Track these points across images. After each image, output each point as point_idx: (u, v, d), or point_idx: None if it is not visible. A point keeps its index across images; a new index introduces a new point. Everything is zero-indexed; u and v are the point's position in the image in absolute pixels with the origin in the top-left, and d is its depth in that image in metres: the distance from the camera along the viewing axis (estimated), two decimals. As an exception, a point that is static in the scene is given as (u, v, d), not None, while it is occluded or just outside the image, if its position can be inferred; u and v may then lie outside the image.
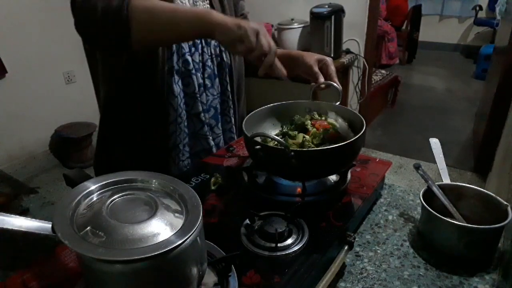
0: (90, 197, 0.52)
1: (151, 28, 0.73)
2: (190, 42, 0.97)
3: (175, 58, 0.94)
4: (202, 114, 1.03)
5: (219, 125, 1.10)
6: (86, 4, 0.70)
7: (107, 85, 1.00)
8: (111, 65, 0.95)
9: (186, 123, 1.02)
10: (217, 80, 1.05)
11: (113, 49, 0.80)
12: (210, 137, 1.07)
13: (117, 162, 1.03)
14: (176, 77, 0.96)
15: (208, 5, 1.02)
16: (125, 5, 0.69)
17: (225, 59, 1.05)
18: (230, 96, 1.10)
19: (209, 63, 1.02)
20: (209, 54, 1.02)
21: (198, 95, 1.01)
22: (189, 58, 0.97)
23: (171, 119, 0.98)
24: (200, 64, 1.00)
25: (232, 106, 1.11)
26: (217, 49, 1.03)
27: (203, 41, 1.00)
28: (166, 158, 1.02)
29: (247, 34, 0.68)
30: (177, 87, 0.97)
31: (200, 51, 0.99)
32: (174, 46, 0.93)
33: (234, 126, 1.15)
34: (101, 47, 0.78)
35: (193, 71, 0.98)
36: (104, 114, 1.04)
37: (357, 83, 2.99)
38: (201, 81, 1.01)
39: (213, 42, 1.01)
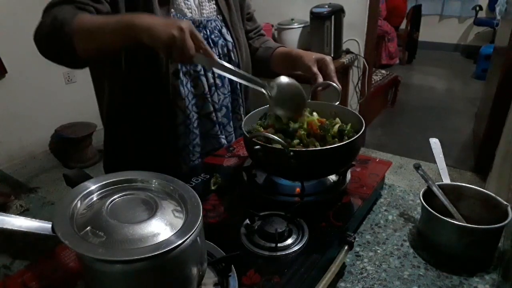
0: (90, 197, 0.52)
1: (88, 44, 0.78)
2: None
3: None
4: (213, 114, 1.03)
5: (231, 123, 1.11)
6: (40, 23, 0.80)
7: (111, 89, 1.00)
8: (112, 70, 0.95)
9: (195, 124, 1.02)
10: (227, 79, 1.06)
11: (64, 62, 0.84)
12: (222, 136, 1.08)
13: (126, 164, 1.03)
14: (184, 79, 0.96)
15: (215, 5, 1.02)
16: (69, 30, 0.75)
17: (233, 58, 1.05)
18: (240, 94, 1.11)
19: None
20: (217, 54, 1.02)
21: (208, 96, 1.01)
22: None
23: (179, 121, 0.98)
24: None
25: (242, 104, 1.12)
26: (225, 49, 1.03)
27: (210, 42, 1.00)
28: (176, 159, 1.02)
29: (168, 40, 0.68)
30: (185, 89, 0.97)
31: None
32: None
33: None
34: (53, 59, 0.83)
35: (202, 72, 0.99)
36: (110, 117, 1.04)
37: (357, 83, 2.99)
38: (212, 81, 1.01)
39: (220, 42, 1.02)
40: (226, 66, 0.77)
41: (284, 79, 0.84)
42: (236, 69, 0.79)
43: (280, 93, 0.82)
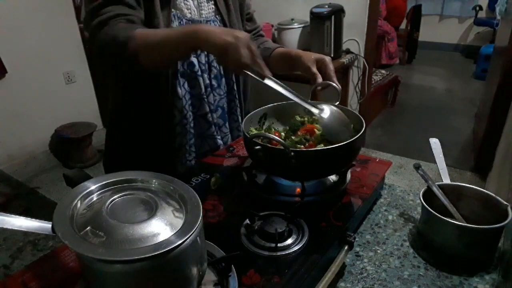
0: (90, 197, 0.52)
1: (154, 57, 0.80)
2: None
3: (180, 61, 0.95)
4: (209, 115, 1.03)
5: (227, 124, 1.11)
6: (98, 43, 0.81)
7: (114, 91, 1.01)
8: (115, 71, 0.96)
9: (192, 124, 1.02)
10: (223, 80, 1.06)
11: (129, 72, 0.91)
12: (218, 137, 1.08)
13: (126, 164, 1.03)
14: (182, 80, 0.96)
15: (213, 5, 1.02)
16: (130, 47, 0.77)
17: None
18: (237, 95, 1.11)
19: (215, 63, 1.02)
20: None
21: (204, 96, 1.01)
22: (195, 60, 0.97)
23: (176, 121, 0.99)
24: (206, 65, 1.01)
25: (239, 105, 1.12)
26: None
27: None
28: (172, 159, 1.02)
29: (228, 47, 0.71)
30: (182, 90, 0.97)
31: (206, 52, 1.00)
32: None
33: (241, 125, 1.16)
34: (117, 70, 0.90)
35: (199, 73, 0.99)
36: (112, 118, 1.05)
37: (357, 83, 2.99)
38: (207, 82, 1.01)
39: None
40: (278, 82, 0.79)
41: (333, 108, 0.84)
42: (287, 87, 0.79)
43: (331, 117, 0.83)
